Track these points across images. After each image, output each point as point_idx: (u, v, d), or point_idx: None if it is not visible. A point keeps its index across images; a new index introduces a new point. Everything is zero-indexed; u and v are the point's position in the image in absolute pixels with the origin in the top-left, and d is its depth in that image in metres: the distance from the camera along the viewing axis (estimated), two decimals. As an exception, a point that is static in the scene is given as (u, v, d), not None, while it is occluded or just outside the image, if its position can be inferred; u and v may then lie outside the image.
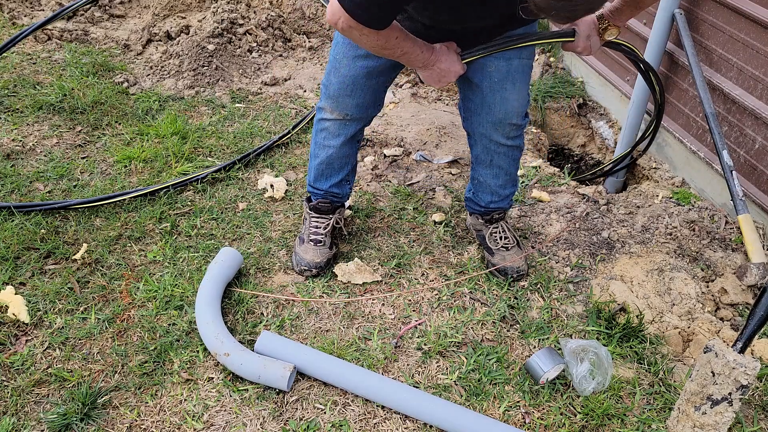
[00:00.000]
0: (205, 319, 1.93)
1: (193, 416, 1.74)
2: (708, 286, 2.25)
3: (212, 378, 1.85)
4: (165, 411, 1.76)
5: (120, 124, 3.08)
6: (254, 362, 1.80)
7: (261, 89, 3.56)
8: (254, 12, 4.04)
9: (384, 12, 1.61)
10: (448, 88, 3.94)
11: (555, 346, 2.00)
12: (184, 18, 4.03)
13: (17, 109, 3.13)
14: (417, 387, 1.86)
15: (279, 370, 1.78)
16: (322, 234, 2.26)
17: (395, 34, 1.68)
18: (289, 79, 3.71)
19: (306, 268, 2.21)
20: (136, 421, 1.73)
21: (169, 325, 2.01)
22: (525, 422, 1.78)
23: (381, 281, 2.24)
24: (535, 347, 2.01)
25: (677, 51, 2.95)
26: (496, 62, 1.93)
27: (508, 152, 2.12)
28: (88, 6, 4.21)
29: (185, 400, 1.79)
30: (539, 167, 2.99)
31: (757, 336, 1.77)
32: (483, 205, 2.29)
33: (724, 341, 1.80)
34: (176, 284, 2.15)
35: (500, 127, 2.03)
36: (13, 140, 2.90)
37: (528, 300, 2.19)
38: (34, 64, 3.58)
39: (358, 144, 2.24)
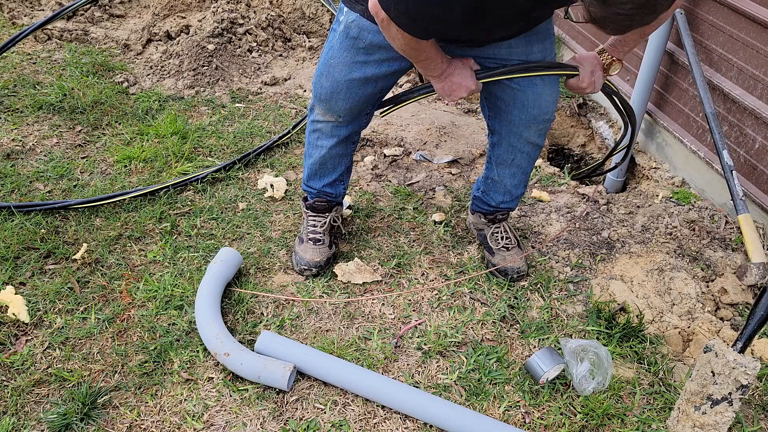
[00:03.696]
0: (204, 319, 1.93)
1: (193, 416, 1.74)
2: (708, 286, 2.25)
3: (212, 378, 1.85)
4: (165, 411, 1.76)
5: (120, 124, 3.08)
6: (254, 362, 1.80)
7: (261, 89, 3.55)
8: (254, 12, 4.03)
9: (429, 25, 1.57)
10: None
11: (555, 346, 2.00)
12: (184, 18, 4.03)
13: (17, 109, 3.13)
14: (417, 387, 1.86)
15: (279, 370, 1.78)
16: (319, 233, 2.26)
17: None
18: (289, 78, 3.71)
19: (306, 267, 2.20)
20: (136, 421, 1.73)
21: (169, 325, 2.01)
22: (525, 422, 1.78)
23: (381, 281, 2.24)
24: (535, 347, 2.01)
25: (677, 51, 2.95)
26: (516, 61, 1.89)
27: (532, 151, 2.08)
28: (88, 6, 4.21)
29: (185, 400, 1.79)
30: (539, 167, 2.99)
31: (757, 336, 1.77)
32: (493, 205, 2.25)
33: (724, 341, 1.80)
34: (176, 284, 2.15)
35: (534, 123, 1.98)
36: (13, 140, 2.90)
37: (528, 300, 2.19)
38: (34, 64, 3.58)
39: (354, 145, 2.18)
